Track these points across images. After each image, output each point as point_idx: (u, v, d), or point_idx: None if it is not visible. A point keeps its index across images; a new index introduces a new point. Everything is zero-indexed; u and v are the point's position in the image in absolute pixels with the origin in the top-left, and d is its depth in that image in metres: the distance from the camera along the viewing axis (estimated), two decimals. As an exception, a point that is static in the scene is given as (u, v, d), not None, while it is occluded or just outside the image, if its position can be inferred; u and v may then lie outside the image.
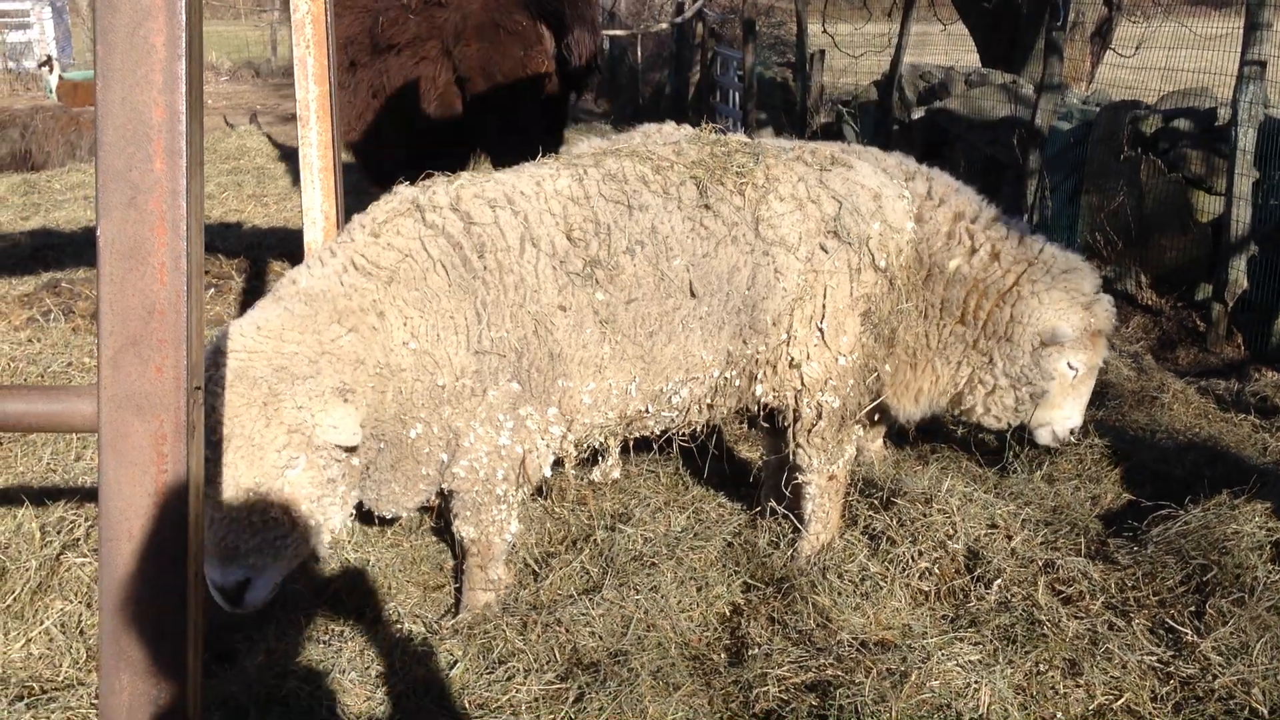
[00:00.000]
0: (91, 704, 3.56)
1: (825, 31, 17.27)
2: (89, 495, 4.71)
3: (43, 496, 4.68)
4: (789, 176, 4.41)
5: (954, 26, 17.08)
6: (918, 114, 13.59)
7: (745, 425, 5.47)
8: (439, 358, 3.92)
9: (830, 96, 16.09)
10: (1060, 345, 4.73)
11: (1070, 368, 4.81)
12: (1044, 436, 5.05)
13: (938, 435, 6.02)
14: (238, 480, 3.51)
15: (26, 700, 3.59)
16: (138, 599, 2.19)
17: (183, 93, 2.10)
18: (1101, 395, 6.69)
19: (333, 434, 3.61)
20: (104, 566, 2.17)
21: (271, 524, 3.60)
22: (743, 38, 16.83)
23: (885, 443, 5.86)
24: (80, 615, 4.10)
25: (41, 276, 9.06)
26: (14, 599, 4.09)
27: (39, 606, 4.10)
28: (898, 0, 13.51)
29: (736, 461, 5.67)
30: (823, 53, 15.37)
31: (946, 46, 18.05)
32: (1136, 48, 12.93)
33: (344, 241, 4.05)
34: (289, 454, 3.58)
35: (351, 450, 3.74)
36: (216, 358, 3.61)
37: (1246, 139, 7.86)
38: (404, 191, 4.17)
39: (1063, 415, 4.94)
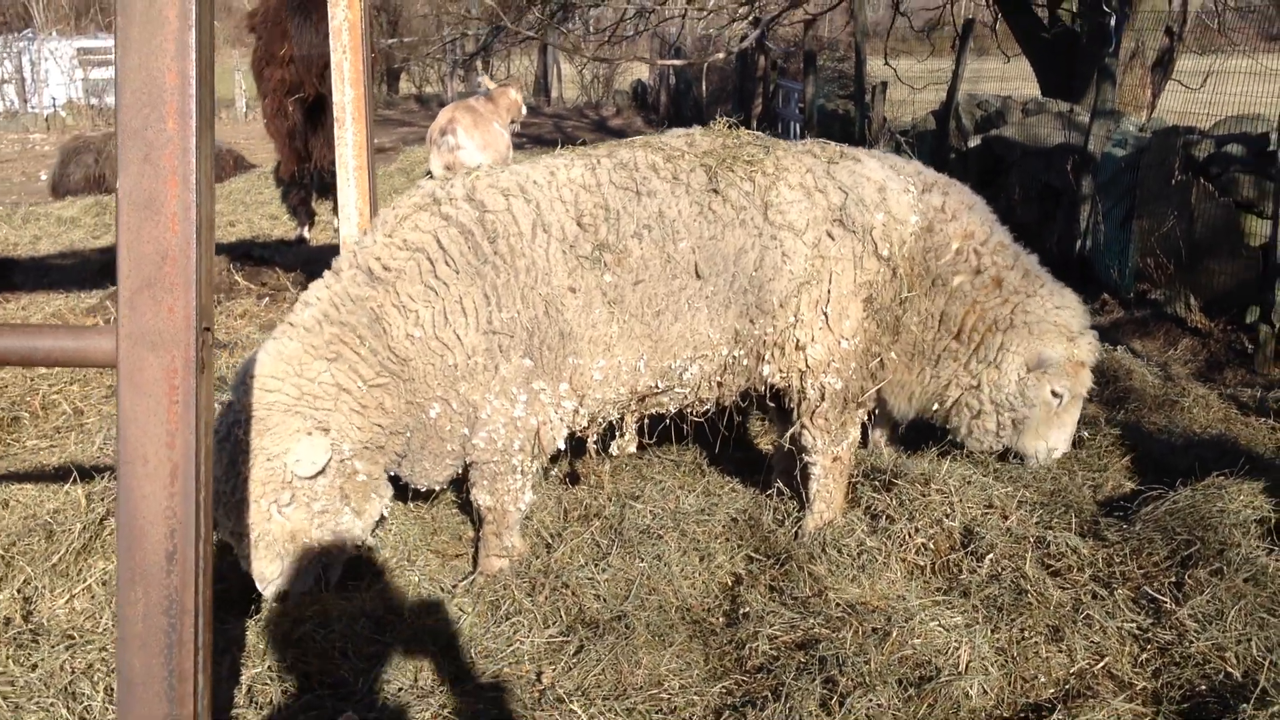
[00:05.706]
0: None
1: (887, 63, 17.44)
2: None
3: (91, 471, 4.99)
4: (798, 167, 4.64)
5: (1012, 61, 17.12)
6: (974, 142, 13.67)
7: (758, 411, 5.62)
8: (447, 340, 4.23)
9: (890, 127, 16.22)
10: (1044, 371, 4.82)
11: (1054, 395, 4.90)
12: (1030, 463, 5.12)
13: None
14: (244, 525, 4.11)
15: (66, 644, 3.87)
16: (150, 520, 2.44)
17: (193, 60, 2.38)
18: (1123, 399, 6.77)
19: (297, 468, 4.08)
20: (121, 490, 2.43)
21: (286, 554, 4.17)
22: (804, 70, 17.14)
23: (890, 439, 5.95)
24: (121, 574, 4.37)
25: (108, 289, 9.49)
26: (59, 559, 4.38)
27: (82, 566, 4.39)
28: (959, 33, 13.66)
29: (751, 451, 5.85)
30: (884, 85, 15.56)
31: (1003, 79, 18.09)
32: (1203, 80, 12.44)
33: (364, 245, 4.39)
34: (269, 500, 4.08)
35: (317, 476, 4.15)
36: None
37: (1293, 162, 7.84)
38: (426, 185, 4.47)
39: (1047, 445, 5.02)
